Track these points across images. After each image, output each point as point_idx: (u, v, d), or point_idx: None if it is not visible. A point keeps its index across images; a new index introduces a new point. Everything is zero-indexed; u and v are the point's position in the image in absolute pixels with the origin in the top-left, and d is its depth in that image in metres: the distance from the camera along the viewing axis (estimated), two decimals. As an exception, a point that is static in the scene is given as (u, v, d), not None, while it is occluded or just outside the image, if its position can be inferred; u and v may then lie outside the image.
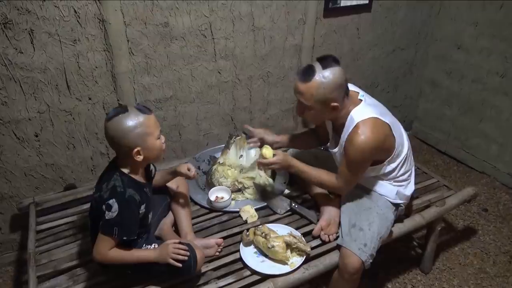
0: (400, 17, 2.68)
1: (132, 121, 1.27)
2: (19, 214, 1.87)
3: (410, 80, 3.01)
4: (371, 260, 1.51)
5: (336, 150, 1.63)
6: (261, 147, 1.73)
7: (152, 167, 1.53)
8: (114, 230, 1.27)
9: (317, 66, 1.43)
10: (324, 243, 1.63)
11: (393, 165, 1.60)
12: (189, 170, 1.61)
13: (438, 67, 2.95)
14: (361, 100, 1.54)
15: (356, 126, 1.47)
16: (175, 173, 1.64)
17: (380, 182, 1.67)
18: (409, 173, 1.70)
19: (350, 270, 1.48)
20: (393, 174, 1.63)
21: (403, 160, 1.62)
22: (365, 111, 1.51)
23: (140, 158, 1.31)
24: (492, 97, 2.64)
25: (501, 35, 2.49)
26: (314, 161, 1.93)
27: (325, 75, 1.41)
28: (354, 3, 2.39)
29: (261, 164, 1.66)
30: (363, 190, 1.71)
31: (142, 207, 1.36)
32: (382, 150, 1.53)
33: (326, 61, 1.44)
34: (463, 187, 2.03)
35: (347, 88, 1.51)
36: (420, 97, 3.14)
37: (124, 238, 1.30)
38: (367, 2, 2.45)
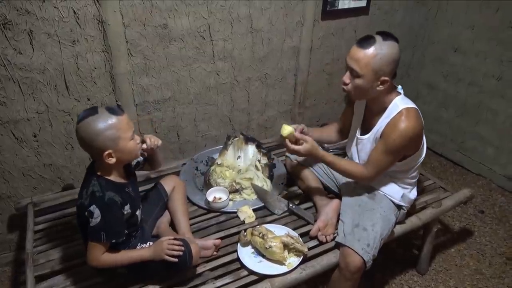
0: (397, 19, 2.70)
1: (101, 123, 1.23)
2: (17, 214, 1.87)
3: (407, 82, 3.03)
4: (371, 261, 1.52)
5: (366, 136, 1.64)
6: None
7: (136, 161, 1.52)
8: (101, 235, 1.27)
9: (378, 37, 1.44)
10: (321, 243, 1.64)
11: (413, 163, 1.62)
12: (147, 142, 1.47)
13: (435, 69, 2.97)
14: (400, 93, 1.58)
15: (401, 112, 1.49)
16: (148, 152, 1.53)
17: (389, 181, 1.68)
18: (416, 178, 1.73)
19: (351, 269, 1.49)
20: (407, 174, 1.65)
21: (420, 162, 1.65)
22: (408, 101, 1.54)
23: (112, 160, 1.28)
24: (489, 100, 2.66)
25: (497, 38, 2.51)
26: (315, 161, 1.94)
27: (384, 47, 1.42)
28: (352, 5, 2.41)
29: (288, 150, 1.63)
30: (367, 190, 1.72)
31: (126, 207, 1.35)
32: (416, 143, 1.55)
33: (387, 35, 1.45)
34: (460, 189, 2.04)
35: (396, 70, 1.52)
36: (417, 99, 3.15)
37: (113, 241, 1.31)
38: (364, 4, 2.47)
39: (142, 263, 1.37)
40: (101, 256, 1.30)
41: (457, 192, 2.00)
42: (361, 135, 1.67)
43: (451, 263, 2.15)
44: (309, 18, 2.29)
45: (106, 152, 1.26)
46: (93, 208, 1.26)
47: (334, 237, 1.64)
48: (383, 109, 1.56)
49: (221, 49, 2.10)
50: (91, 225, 1.27)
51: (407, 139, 1.49)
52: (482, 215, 2.48)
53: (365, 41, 1.45)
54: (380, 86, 1.48)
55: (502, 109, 2.59)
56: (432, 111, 3.07)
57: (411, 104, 1.53)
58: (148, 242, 1.45)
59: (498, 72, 2.56)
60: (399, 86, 1.61)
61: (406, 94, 1.61)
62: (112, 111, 1.27)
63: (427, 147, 3.14)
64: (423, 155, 1.64)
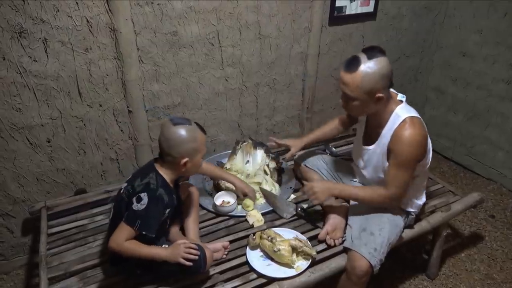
0: (405, 25, 2.71)
1: (194, 134, 1.40)
2: (31, 218, 1.92)
3: (416, 87, 3.03)
4: (379, 265, 1.52)
5: (372, 147, 1.62)
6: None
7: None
8: (137, 222, 1.33)
9: (363, 57, 1.42)
10: (329, 247, 1.65)
11: (418, 172, 1.59)
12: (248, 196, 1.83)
13: (443, 74, 2.97)
14: (402, 101, 1.56)
15: (404, 121, 1.48)
16: (235, 186, 1.82)
17: None
18: (423, 184, 1.72)
19: (358, 273, 1.49)
20: (413, 181, 1.62)
21: (426, 170, 1.64)
22: (410, 110, 1.53)
23: (184, 168, 1.41)
24: (498, 104, 2.65)
25: (506, 43, 2.50)
26: (322, 165, 1.96)
27: (370, 65, 1.40)
28: (359, 11, 2.43)
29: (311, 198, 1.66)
30: None
31: (167, 211, 1.43)
32: (423, 150, 1.52)
33: (372, 51, 1.43)
34: (469, 193, 2.03)
35: (392, 80, 1.50)
36: (426, 104, 3.15)
37: (144, 232, 1.35)
38: (372, 10, 2.48)
39: (157, 265, 1.40)
40: (124, 241, 1.34)
41: (466, 196, 1.99)
42: (369, 145, 1.65)
43: (461, 268, 2.13)
44: (317, 24, 2.31)
45: (185, 160, 1.39)
46: (144, 195, 1.35)
47: (343, 241, 1.65)
48: (385, 120, 1.54)
49: (229, 55, 2.13)
50: (133, 208, 1.34)
51: (417, 147, 1.47)
52: (492, 220, 2.46)
53: (351, 63, 1.44)
54: (377, 102, 1.48)
55: (512, 113, 2.58)
56: (441, 115, 3.07)
57: (414, 113, 1.52)
58: (164, 245, 1.48)
59: (507, 76, 2.55)
60: (400, 95, 1.59)
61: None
62: (201, 128, 1.45)
63: (436, 152, 3.12)
64: (429, 162, 1.63)
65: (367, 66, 1.41)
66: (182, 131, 1.37)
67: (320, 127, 1.99)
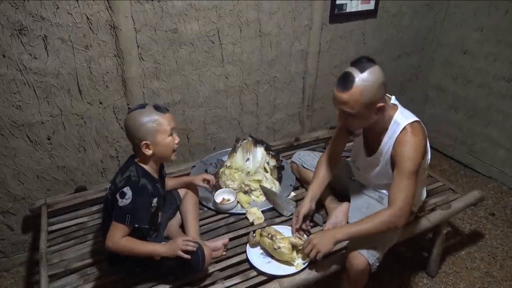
0: (405, 23, 2.71)
1: (146, 117, 1.36)
2: (31, 215, 1.91)
3: (416, 85, 3.03)
4: (377, 264, 1.51)
5: (374, 156, 1.59)
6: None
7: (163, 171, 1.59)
8: (127, 217, 1.33)
9: (354, 71, 1.36)
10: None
11: (421, 169, 1.56)
12: (207, 181, 1.74)
13: (444, 72, 2.96)
14: (395, 105, 1.53)
15: (405, 129, 1.46)
16: (191, 185, 1.75)
17: None
18: (423, 181, 1.72)
19: (356, 271, 1.49)
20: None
21: (425, 168, 1.63)
22: (407, 115, 1.50)
23: (148, 152, 1.39)
24: (499, 102, 2.64)
25: (506, 41, 2.50)
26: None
27: (365, 78, 1.35)
28: (360, 8, 2.42)
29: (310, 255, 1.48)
30: (375, 192, 1.72)
31: (154, 200, 1.41)
32: (425, 153, 1.51)
33: (362, 63, 1.38)
34: (470, 191, 2.03)
35: (386, 86, 1.44)
36: (426, 102, 3.14)
37: (136, 225, 1.35)
38: (372, 8, 2.48)
39: (156, 262, 1.40)
40: (120, 238, 1.33)
41: (466, 194, 1.99)
42: (367, 155, 1.64)
43: (461, 265, 2.13)
44: (317, 22, 2.31)
45: (144, 142, 1.37)
46: (127, 189, 1.34)
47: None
48: (385, 129, 1.51)
49: (230, 52, 2.13)
50: (119, 205, 1.33)
51: (420, 153, 1.44)
52: (493, 218, 2.46)
53: (344, 81, 1.37)
54: (378, 113, 1.44)
55: (513, 111, 2.58)
56: (441, 113, 3.06)
57: (412, 117, 1.49)
58: (162, 243, 1.48)
59: (508, 74, 2.54)
60: (392, 98, 1.55)
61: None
62: (157, 108, 1.40)
63: (437, 150, 3.11)
64: (428, 161, 1.62)
65: (362, 79, 1.35)
66: (136, 116, 1.37)
67: (314, 180, 1.76)
